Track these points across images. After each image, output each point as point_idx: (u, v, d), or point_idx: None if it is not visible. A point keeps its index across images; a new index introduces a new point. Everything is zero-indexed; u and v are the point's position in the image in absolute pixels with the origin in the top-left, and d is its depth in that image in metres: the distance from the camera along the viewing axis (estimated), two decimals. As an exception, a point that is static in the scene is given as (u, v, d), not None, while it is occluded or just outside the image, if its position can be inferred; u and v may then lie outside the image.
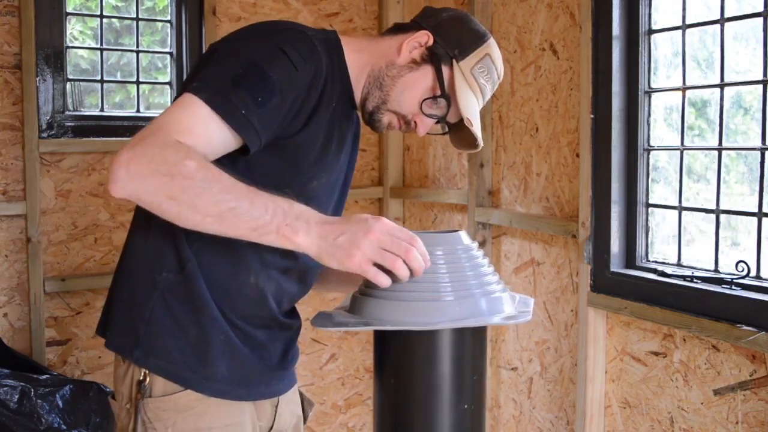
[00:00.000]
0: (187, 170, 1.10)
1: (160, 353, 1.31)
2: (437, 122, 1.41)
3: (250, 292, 1.36)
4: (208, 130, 1.18)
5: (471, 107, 1.36)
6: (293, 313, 1.52)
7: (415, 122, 1.39)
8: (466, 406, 1.16)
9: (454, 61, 1.35)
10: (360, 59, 1.39)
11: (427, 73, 1.36)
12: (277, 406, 1.47)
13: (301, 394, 1.61)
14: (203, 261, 1.31)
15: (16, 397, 2.16)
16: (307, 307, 3.09)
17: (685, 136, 1.99)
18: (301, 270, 1.44)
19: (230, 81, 1.20)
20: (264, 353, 1.41)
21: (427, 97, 1.36)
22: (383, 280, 1.11)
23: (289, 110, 1.25)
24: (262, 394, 1.42)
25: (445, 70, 1.35)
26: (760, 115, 1.78)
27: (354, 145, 1.50)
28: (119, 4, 2.84)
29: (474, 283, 1.16)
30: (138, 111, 2.81)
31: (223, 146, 1.22)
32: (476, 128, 1.36)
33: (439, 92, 1.36)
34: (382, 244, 1.10)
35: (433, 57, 1.35)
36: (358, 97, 1.41)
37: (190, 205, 1.11)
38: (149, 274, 1.32)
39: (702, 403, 1.91)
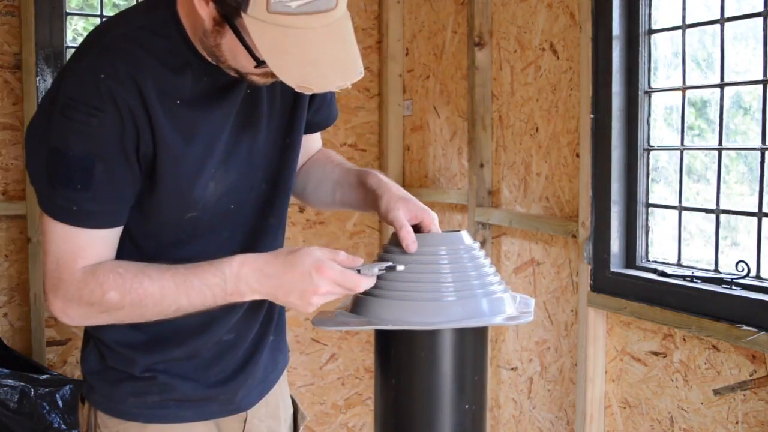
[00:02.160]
0: (114, 303, 1.13)
1: (95, 390, 1.32)
2: None
3: (185, 327, 1.27)
4: (87, 237, 1.14)
5: (294, 60, 1.01)
6: (247, 323, 1.36)
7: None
8: (467, 407, 1.16)
9: (242, 13, 1.01)
10: (190, 28, 1.15)
11: (231, 34, 1.06)
12: (245, 422, 1.39)
13: (295, 405, 1.54)
14: None
15: (16, 397, 2.16)
16: (307, 307, 3.08)
17: (685, 136, 1.99)
18: None
19: (47, 183, 1.12)
20: (210, 373, 1.32)
21: (253, 58, 1.06)
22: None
23: (126, 157, 1.12)
24: (215, 413, 1.34)
25: (240, 23, 1.03)
26: (760, 115, 1.78)
27: (270, 98, 1.27)
28: (120, 2, 2.84)
29: (476, 283, 1.16)
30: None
31: (113, 232, 1.18)
32: (307, 82, 1.03)
33: (254, 60, 1.06)
34: (330, 295, 1.13)
35: (223, 15, 1.05)
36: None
37: (139, 318, 1.16)
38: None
39: (702, 403, 1.91)
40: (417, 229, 1.23)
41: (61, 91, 1.11)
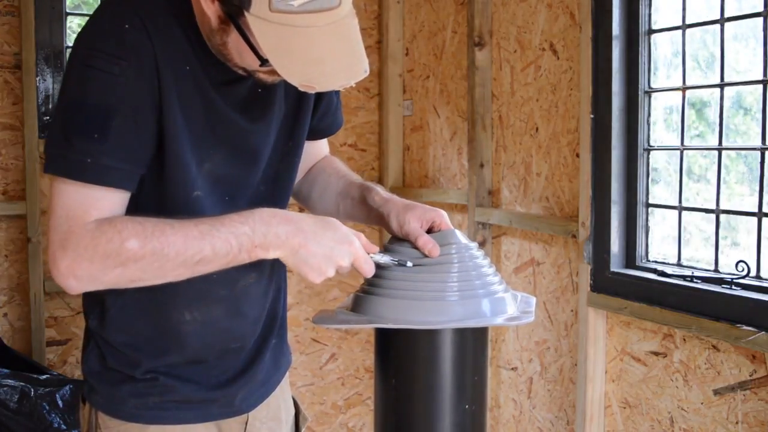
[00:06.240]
0: (133, 253, 1.03)
1: (96, 391, 1.30)
2: None
3: (189, 330, 1.27)
4: (101, 193, 1.08)
5: (297, 59, 1.02)
6: (252, 326, 1.35)
7: None
8: (467, 407, 1.16)
9: (246, 12, 1.02)
10: (199, 24, 1.15)
11: (236, 32, 1.07)
12: (246, 424, 1.37)
13: (296, 406, 1.53)
14: (126, 303, 1.24)
15: (16, 397, 2.16)
16: (307, 307, 3.09)
17: (684, 137, 1.99)
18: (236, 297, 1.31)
19: (62, 139, 1.06)
20: (211, 375, 1.31)
21: (258, 57, 1.07)
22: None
23: (142, 115, 1.09)
24: (216, 414, 1.32)
25: (244, 22, 1.03)
26: (760, 115, 1.78)
27: (279, 100, 1.28)
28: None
29: (477, 283, 1.16)
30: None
31: (125, 197, 1.12)
32: (311, 81, 1.03)
33: (259, 59, 1.07)
34: (342, 270, 1.11)
35: (227, 14, 1.06)
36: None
37: (156, 276, 1.08)
38: (87, 317, 1.30)
39: (702, 403, 1.91)
40: (430, 231, 1.25)
41: (82, 43, 1.10)
